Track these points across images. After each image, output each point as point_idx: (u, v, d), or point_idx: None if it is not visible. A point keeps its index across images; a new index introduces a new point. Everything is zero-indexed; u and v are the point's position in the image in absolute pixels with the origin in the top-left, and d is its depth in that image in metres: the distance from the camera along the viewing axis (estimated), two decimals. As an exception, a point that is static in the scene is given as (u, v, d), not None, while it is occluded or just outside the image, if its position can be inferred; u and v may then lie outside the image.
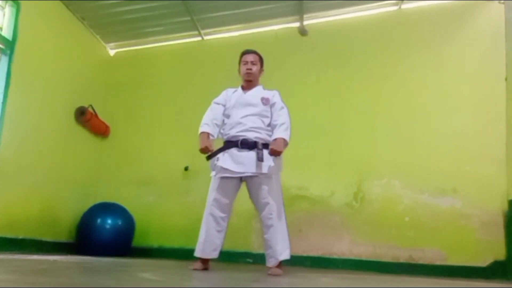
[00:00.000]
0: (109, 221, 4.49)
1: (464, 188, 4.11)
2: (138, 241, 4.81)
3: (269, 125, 3.00)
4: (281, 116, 2.97)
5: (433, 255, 4.07)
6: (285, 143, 2.87)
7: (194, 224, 4.86)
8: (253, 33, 5.24)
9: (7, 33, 3.99)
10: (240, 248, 4.56)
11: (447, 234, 4.07)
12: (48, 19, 4.50)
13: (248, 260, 4.49)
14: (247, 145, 2.88)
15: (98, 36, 5.42)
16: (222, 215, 2.92)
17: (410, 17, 4.74)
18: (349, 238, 4.34)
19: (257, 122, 2.96)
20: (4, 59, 3.95)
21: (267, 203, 2.86)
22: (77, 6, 4.82)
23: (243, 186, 3.03)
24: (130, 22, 5.17)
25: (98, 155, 5.34)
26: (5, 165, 3.83)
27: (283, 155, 2.99)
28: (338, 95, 4.79)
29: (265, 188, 2.87)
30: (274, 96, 3.08)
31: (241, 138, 2.90)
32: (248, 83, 3.12)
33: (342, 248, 4.34)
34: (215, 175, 2.97)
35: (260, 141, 2.89)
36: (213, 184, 2.96)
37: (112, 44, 5.64)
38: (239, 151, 2.89)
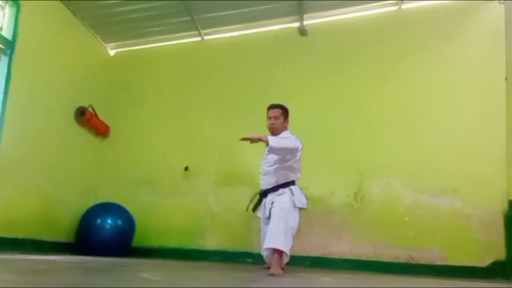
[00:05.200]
0: (109, 221, 4.49)
1: (464, 188, 4.11)
2: (138, 241, 4.81)
3: (284, 164, 3.32)
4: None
5: (433, 255, 4.07)
6: (264, 138, 3.09)
7: (194, 224, 4.90)
8: (253, 33, 5.24)
9: (7, 33, 3.99)
10: (240, 248, 4.56)
11: (447, 234, 4.07)
12: (48, 19, 4.51)
13: (248, 260, 4.49)
14: (270, 190, 3.41)
15: (98, 36, 5.42)
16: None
17: (410, 17, 4.73)
18: (349, 238, 4.34)
19: (276, 177, 3.36)
20: (4, 59, 3.95)
21: (273, 206, 3.24)
22: (77, 6, 4.82)
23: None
24: (130, 22, 5.17)
25: (98, 155, 5.34)
26: (5, 165, 3.83)
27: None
28: (338, 95, 4.79)
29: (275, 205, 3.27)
30: (286, 135, 3.40)
31: (265, 189, 3.44)
32: (273, 134, 3.41)
33: (342, 248, 4.34)
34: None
35: (270, 186, 3.37)
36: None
37: (112, 44, 5.64)
38: (265, 198, 3.44)
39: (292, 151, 3.25)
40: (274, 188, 3.35)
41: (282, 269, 3.01)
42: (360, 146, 4.53)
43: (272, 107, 3.47)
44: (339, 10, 4.90)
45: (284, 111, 3.47)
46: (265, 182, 3.42)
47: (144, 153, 5.27)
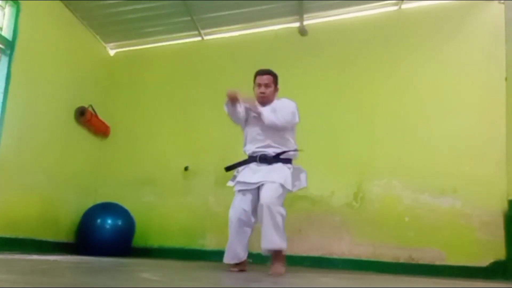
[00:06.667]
0: (109, 221, 4.49)
1: (464, 188, 4.11)
2: (138, 241, 4.81)
3: (288, 133, 3.03)
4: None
5: (433, 255, 4.07)
6: (257, 109, 2.89)
7: (194, 224, 4.90)
8: (253, 33, 5.24)
9: (7, 33, 3.98)
10: (240, 248, 4.55)
11: (447, 234, 4.07)
12: (48, 19, 4.50)
13: (248, 260, 4.48)
14: (266, 160, 2.95)
15: (98, 36, 5.42)
16: (244, 228, 2.98)
17: (410, 17, 4.74)
18: (349, 238, 4.34)
19: (273, 137, 2.98)
20: (4, 59, 3.95)
21: (261, 200, 2.86)
22: (77, 6, 4.82)
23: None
24: (130, 22, 5.16)
25: (98, 155, 5.34)
26: (5, 165, 3.83)
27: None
28: (338, 95, 4.79)
29: (264, 189, 2.87)
30: (279, 103, 3.07)
31: (260, 153, 2.98)
32: (262, 104, 3.07)
33: (342, 248, 4.34)
34: (235, 188, 3.05)
35: (279, 155, 2.96)
36: (235, 196, 3.06)
37: (112, 44, 5.64)
38: (258, 165, 2.97)
39: (292, 120, 2.95)
40: (277, 158, 2.93)
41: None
42: (360, 146, 4.53)
43: (262, 73, 3.11)
44: (339, 10, 4.90)
45: (275, 78, 3.13)
46: (262, 146, 2.98)
47: (144, 153, 5.27)
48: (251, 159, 3.01)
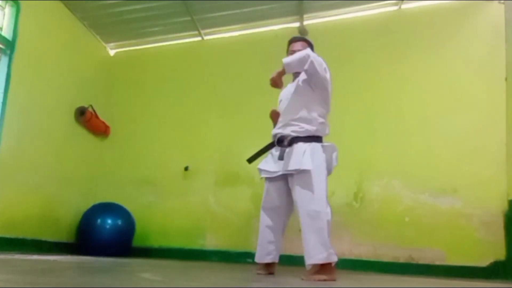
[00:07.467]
0: (109, 221, 4.49)
1: (464, 188, 4.11)
2: (138, 241, 4.81)
3: (312, 104, 2.71)
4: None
5: (433, 255, 4.07)
6: (281, 69, 2.63)
7: (194, 224, 4.90)
8: (253, 33, 5.24)
9: (7, 33, 3.99)
10: (240, 248, 4.56)
11: (447, 234, 4.07)
12: (48, 19, 4.51)
13: (248, 260, 4.49)
14: (283, 142, 2.67)
15: (98, 36, 5.42)
16: (269, 222, 2.79)
17: (410, 17, 4.74)
18: (349, 238, 4.34)
19: (293, 113, 2.69)
20: (4, 59, 3.95)
21: (298, 203, 2.61)
22: (77, 6, 4.82)
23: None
24: (130, 22, 5.17)
25: (98, 155, 5.34)
26: (5, 165, 3.83)
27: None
28: (338, 95, 4.76)
29: (297, 186, 2.58)
30: None
31: (278, 136, 2.73)
32: (296, 75, 2.86)
33: (342, 248, 4.33)
34: (261, 175, 2.84)
35: (299, 135, 2.63)
36: (265, 185, 2.85)
37: (112, 44, 5.65)
38: (276, 150, 2.72)
39: (318, 66, 2.60)
40: (308, 138, 2.60)
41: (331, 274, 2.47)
42: (360, 146, 4.53)
43: (295, 40, 2.92)
44: (339, 10, 4.90)
45: (309, 45, 2.90)
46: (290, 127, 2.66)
47: (144, 153, 5.27)
48: (272, 143, 2.77)
